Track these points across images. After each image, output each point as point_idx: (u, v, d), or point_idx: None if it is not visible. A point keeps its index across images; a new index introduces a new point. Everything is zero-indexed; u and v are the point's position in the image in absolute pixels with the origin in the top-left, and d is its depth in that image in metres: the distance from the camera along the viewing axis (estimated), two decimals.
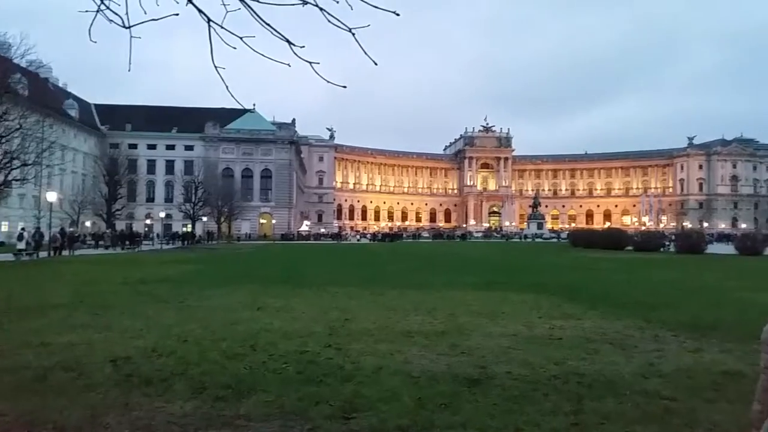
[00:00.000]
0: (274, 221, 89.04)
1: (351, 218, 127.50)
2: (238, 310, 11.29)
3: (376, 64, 3.84)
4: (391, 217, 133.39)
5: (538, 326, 9.52)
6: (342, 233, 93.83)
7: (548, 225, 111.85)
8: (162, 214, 72.33)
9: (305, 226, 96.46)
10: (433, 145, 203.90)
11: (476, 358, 7.05)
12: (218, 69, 3.43)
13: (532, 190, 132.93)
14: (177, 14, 3.23)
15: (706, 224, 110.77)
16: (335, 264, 27.67)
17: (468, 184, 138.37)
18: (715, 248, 46.41)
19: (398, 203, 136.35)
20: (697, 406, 5.22)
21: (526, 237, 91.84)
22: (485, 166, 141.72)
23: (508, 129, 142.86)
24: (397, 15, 3.17)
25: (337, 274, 21.15)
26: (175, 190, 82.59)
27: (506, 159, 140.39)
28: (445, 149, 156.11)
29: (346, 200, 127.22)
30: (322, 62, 3.37)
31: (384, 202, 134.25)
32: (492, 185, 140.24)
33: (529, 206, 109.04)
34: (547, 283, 17.23)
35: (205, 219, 72.26)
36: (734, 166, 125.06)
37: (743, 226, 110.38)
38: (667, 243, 47.77)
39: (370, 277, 19.12)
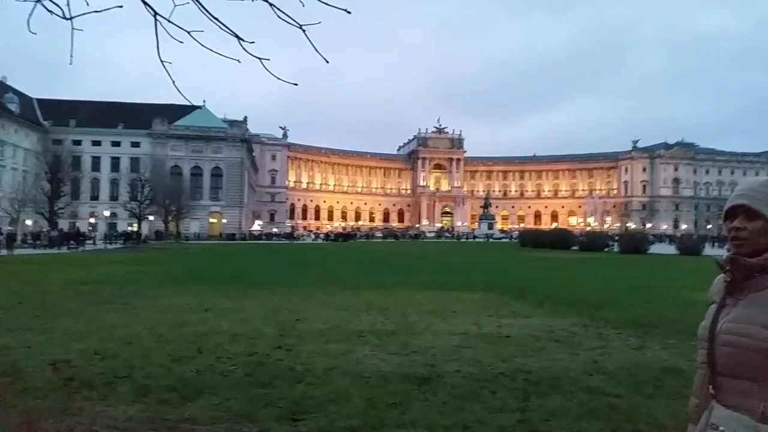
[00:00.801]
0: (224, 221, 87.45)
1: (304, 218, 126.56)
2: (185, 311, 11.03)
3: (327, 62, 3.82)
4: (344, 217, 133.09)
5: (488, 324, 9.67)
6: (295, 233, 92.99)
7: (498, 225, 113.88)
8: (107, 213, 70.12)
9: (257, 226, 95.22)
10: (386, 145, 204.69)
11: (427, 357, 7.10)
12: (165, 64, 3.33)
13: (484, 190, 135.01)
14: (121, 6, 3.12)
15: (649, 225, 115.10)
16: (287, 264, 27.40)
17: (421, 184, 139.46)
18: (657, 248, 48.23)
19: (352, 203, 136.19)
20: (638, 401, 5.38)
21: (477, 237, 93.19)
22: (438, 166, 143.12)
23: (461, 130, 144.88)
24: (349, 13, 3.16)
25: (289, 274, 20.94)
26: (120, 188, 79.90)
27: (458, 160, 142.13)
28: (398, 149, 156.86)
29: (299, 200, 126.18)
30: (275, 59, 3.32)
31: (338, 202, 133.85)
32: (445, 186, 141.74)
33: (481, 207, 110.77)
34: (497, 282, 17.53)
35: (152, 218, 70.33)
36: (676, 169, 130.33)
37: (684, 227, 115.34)
38: (611, 243, 49.40)
39: (322, 277, 19.01)
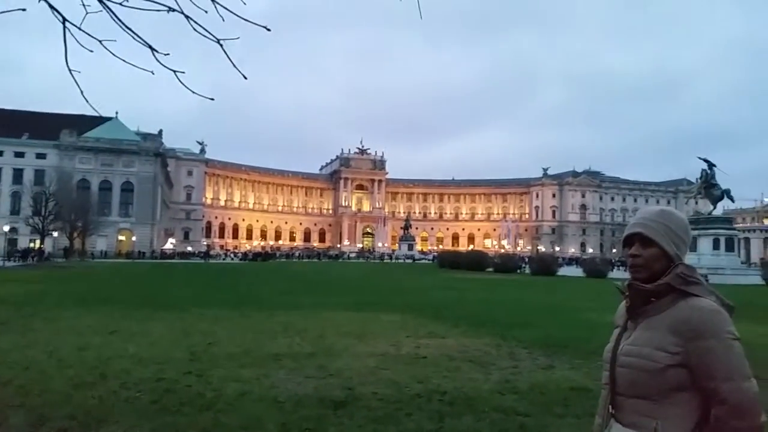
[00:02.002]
0: (134, 238, 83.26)
1: (221, 236, 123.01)
2: (89, 334, 10.37)
3: (245, 78, 3.77)
4: (264, 236, 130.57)
5: (405, 345, 9.72)
6: (210, 252, 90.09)
7: (418, 246, 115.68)
8: (6, 228, 64.98)
9: (169, 244, 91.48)
10: (309, 164, 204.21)
11: (344, 380, 7.03)
12: (73, 72, 3.18)
13: (404, 212, 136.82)
14: (24, 9, 2.95)
15: (558, 248, 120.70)
16: (201, 284, 26.46)
17: (343, 204, 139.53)
18: (565, 270, 50.49)
19: (272, 222, 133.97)
20: (548, 421, 5.55)
21: (397, 258, 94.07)
22: (360, 187, 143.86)
23: (383, 152, 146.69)
24: (268, 30, 3.14)
25: (203, 295, 20.21)
26: (23, 201, 74.48)
27: (380, 181, 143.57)
28: (321, 169, 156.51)
29: (216, 217, 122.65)
30: (193, 73, 3.25)
31: (257, 221, 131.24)
32: (366, 206, 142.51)
33: (401, 228, 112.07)
34: (415, 303, 17.72)
35: (56, 234, 65.96)
36: (583, 196, 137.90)
37: (590, 250, 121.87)
38: (523, 265, 51.28)
39: (238, 299, 18.49)
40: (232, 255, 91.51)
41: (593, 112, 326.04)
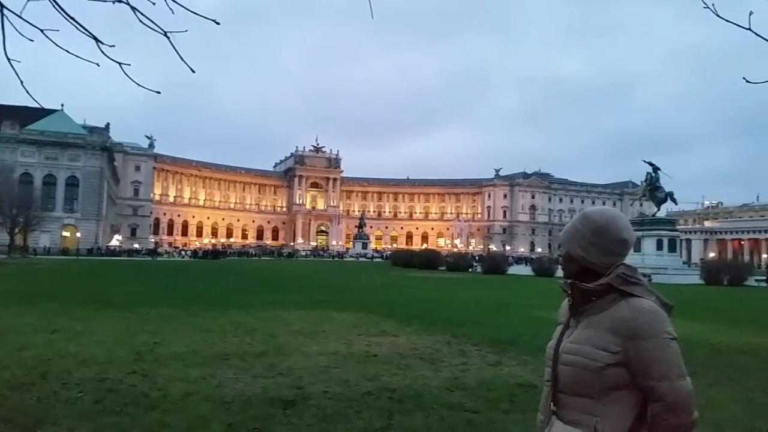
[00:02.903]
0: (79, 234, 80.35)
1: (170, 233, 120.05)
2: (28, 333, 9.97)
3: (193, 71, 3.72)
4: (215, 234, 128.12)
5: (357, 344, 9.73)
6: (159, 249, 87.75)
7: (372, 245, 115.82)
8: None
9: (116, 241, 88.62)
10: (262, 161, 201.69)
11: (294, 379, 6.99)
12: (12, 62, 3.07)
13: (359, 211, 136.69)
14: None
15: (508, 247, 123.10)
16: (148, 283, 25.78)
17: (297, 202, 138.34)
18: (515, 269, 51.54)
19: (223, 219, 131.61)
20: (495, 417, 5.65)
21: (351, 256, 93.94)
22: (315, 185, 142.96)
23: (338, 150, 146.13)
24: (217, 23, 3.10)
25: (149, 293, 19.70)
26: None
27: (335, 179, 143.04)
28: (275, 166, 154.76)
29: (165, 214, 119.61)
30: (142, 67, 3.21)
31: (208, 218, 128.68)
32: (321, 204, 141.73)
33: (356, 226, 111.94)
34: (368, 302, 17.75)
35: None
36: (533, 197, 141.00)
37: (539, 250, 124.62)
38: (474, 264, 52.08)
39: (186, 297, 18.09)
40: (180, 253, 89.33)
41: (545, 114, 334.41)
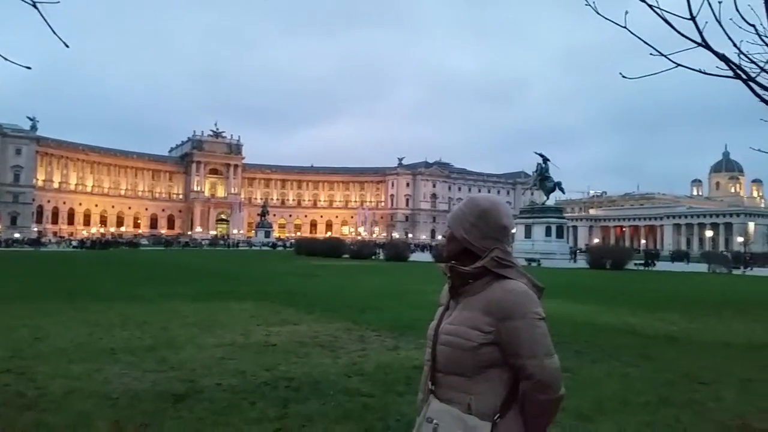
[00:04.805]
0: None
1: (55, 222, 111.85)
2: None
3: (67, 46, 3.48)
4: (104, 223, 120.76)
5: (255, 334, 9.55)
6: (42, 239, 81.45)
7: (276, 233, 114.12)
8: None
9: None
10: (157, 146, 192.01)
11: (186, 372, 6.74)
12: None
13: (261, 198, 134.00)
14: None
15: (410, 235, 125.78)
16: (30, 274, 23.88)
17: (195, 189, 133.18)
18: (416, 256, 52.80)
19: (114, 207, 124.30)
20: (390, 400, 5.74)
21: (254, 245, 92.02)
22: (214, 171, 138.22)
23: (239, 136, 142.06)
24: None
25: (31, 285, 18.25)
26: None
27: (236, 166, 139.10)
28: (170, 151, 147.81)
29: (49, 201, 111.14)
30: (25, 46, 2.90)
31: (96, 205, 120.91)
32: (221, 192, 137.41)
33: (258, 214, 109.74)
34: (269, 291, 17.49)
35: None
36: (434, 186, 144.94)
37: (439, 237, 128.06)
38: (377, 251, 52.78)
39: (72, 289, 16.92)
40: (66, 242, 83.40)
41: (443, 107, 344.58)
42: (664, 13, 3.78)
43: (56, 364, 6.98)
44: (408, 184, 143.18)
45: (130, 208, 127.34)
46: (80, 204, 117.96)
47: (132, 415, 5.07)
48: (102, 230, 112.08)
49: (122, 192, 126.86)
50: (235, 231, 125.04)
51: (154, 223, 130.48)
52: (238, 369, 6.92)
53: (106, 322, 10.47)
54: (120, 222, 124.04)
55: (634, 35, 3.97)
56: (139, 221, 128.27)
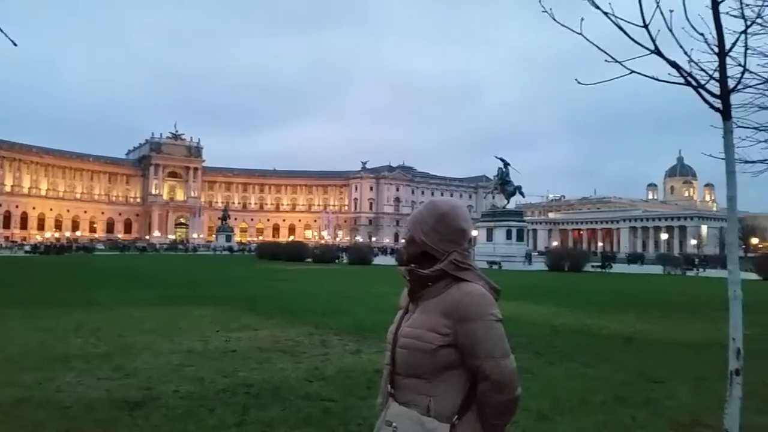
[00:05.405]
0: None
1: (6, 227, 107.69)
2: None
3: (15, 44, 3.37)
4: (59, 227, 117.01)
5: (215, 340, 9.38)
6: None
7: (237, 238, 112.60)
8: None
9: None
10: (114, 149, 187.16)
11: (142, 379, 6.57)
12: None
13: (222, 202, 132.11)
14: None
15: (374, 239, 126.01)
16: None
17: (153, 192, 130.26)
18: (380, 260, 52.82)
19: (68, 211, 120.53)
20: (351, 404, 5.72)
21: (215, 249, 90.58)
22: (173, 174, 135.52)
23: (199, 139, 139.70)
24: None
25: None
26: None
27: (196, 169, 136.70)
28: (127, 154, 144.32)
29: (0, 205, 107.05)
30: None
31: (51, 209, 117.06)
32: (180, 195, 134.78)
33: (219, 218, 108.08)
34: (230, 296, 17.22)
35: None
36: (397, 189, 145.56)
37: (402, 241, 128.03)
38: (341, 255, 52.61)
39: (23, 296, 16.32)
40: (17, 247, 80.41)
41: (406, 110, 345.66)
42: (618, 20, 3.87)
43: (6, 373, 6.73)
44: (371, 188, 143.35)
45: (85, 212, 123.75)
46: (34, 208, 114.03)
47: (86, 424, 4.92)
48: (57, 235, 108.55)
49: (78, 195, 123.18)
50: (195, 235, 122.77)
51: (110, 227, 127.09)
52: (196, 375, 6.78)
53: (60, 329, 10.14)
54: (75, 226, 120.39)
55: (590, 42, 4.05)
56: (95, 225, 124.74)
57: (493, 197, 66.85)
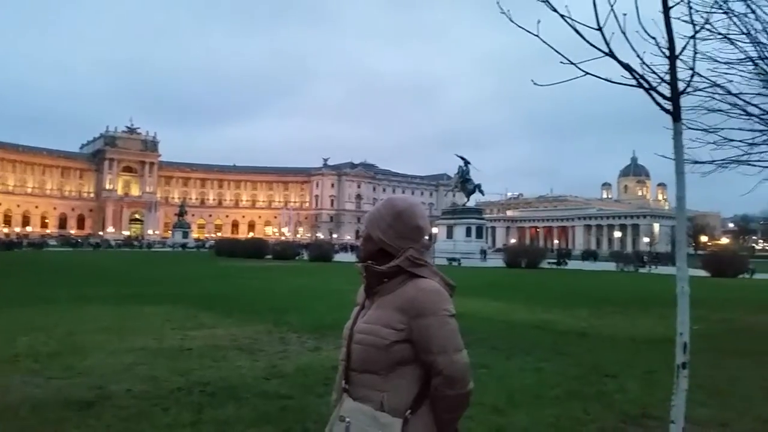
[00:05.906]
0: None
1: None
2: None
3: None
4: (8, 222, 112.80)
5: (170, 338, 9.20)
6: None
7: (195, 234, 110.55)
8: None
9: None
10: (67, 142, 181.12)
11: (94, 378, 6.38)
12: None
13: (179, 198, 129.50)
14: None
15: (335, 235, 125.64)
16: None
17: (107, 187, 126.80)
18: (341, 256, 52.73)
19: (18, 206, 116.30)
20: (309, 401, 5.67)
21: (171, 246, 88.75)
22: (128, 169, 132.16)
23: (155, 133, 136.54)
24: None
25: None
26: None
27: (152, 164, 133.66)
28: (82, 148, 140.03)
29: None
30: None
31: (0, 204, 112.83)
32: (135, 191, 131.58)
33: (175, 214, 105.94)
34: (186, 294, 16.88)
35: None
36: (359, 186, 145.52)
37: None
38: (301, 252, 52.31)
39: None
40: None
41: (369, 107, 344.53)
42: (574, 23, 3.94)
43: None
44: (333, 185, 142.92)
45: (37, 207, 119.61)
46: None
47: (34, 425, 4.76)
48: (6, 230, 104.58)
49: (29, 190, 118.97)
50: (150, 231, 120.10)
51: (63, 222, 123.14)
52: (150, 374, 6.63)
53: (7, 328, 9.76)
54: (26, 222, 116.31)
55: (546, 43, 4.11)
56: (47, 221, 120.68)
57: (454, 195, 67.57)
